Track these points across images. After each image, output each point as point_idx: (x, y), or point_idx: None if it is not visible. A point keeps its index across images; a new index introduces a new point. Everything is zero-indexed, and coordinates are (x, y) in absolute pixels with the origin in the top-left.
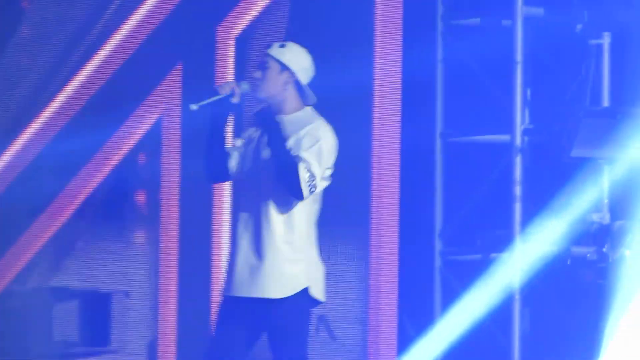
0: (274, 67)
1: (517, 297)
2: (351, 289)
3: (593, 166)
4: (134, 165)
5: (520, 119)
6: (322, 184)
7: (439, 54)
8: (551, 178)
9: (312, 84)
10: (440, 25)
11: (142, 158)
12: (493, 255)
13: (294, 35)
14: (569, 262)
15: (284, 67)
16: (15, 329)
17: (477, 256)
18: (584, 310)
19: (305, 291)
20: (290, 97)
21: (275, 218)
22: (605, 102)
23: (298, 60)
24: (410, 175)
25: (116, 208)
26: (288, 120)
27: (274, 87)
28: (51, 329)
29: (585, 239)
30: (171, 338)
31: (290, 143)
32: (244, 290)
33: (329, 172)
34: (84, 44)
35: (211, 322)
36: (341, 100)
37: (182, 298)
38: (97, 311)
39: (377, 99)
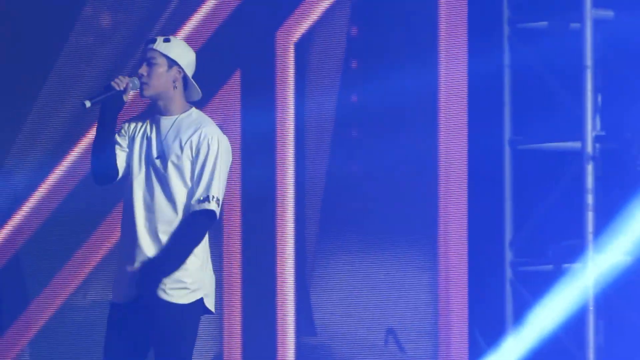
0: (161, 63)
1: (591, 308)
2: (420, 300)
3: None
4: None
5: (591, 125)
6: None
7: (506, 59)
8: (624, 185)
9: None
10: (506, 30)
11: None
12: (565, 265)
13: (356, 41)
14: None
15: (173, 63)
16: (77, 341)
17: (549, 267)
18: None
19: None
20: (177, 95)
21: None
22: None
23: (185, 54)
24: (479, 184)
25: None
26: (176, 122)
27: (163, 84)
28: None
29: None
30: (236, 351)
31: (179, 150)
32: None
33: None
34: (137, 52)
35: (277, 327)
36: (406, 107)
37: (246, 310)
38: None
39: (442, 106)
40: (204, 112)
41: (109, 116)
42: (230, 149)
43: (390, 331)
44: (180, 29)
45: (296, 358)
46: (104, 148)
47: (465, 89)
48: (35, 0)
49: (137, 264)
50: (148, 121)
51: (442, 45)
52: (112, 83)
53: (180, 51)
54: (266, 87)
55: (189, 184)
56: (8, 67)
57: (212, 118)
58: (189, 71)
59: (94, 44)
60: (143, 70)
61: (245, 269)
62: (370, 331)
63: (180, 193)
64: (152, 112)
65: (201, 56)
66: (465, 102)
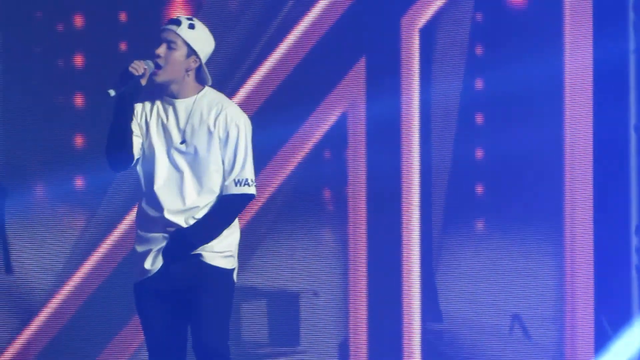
0: (181, 50)
1: None
2: (546, 287)
3: None
4: (319, 162)
5: None
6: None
7: (631, 45)
8: None
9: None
10: (631, 16)
11: (327, 154)
12: None
13: (480, 28)
14: None
15: (192, 52)
16: None
17: None
18: None
19: None
20: (190, 78)
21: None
22: None
23: (207, 44)
24: (604, 170)
25: (302, 205)
26: (194, 104)
27: (177, 72)
28: (240, 329)
29: None
30: (362, 337)
31: (206, 133)
32: None
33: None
34: (264, 36)
35: (403, 313)
36: (531, 94)
37: (372, 296)
38: (285, 311)
39: (568, 93)
40: (330, 99)
41: (127, 102)
42: (249, 123)
43: (515, 317)
44: (305, 15)
45: (422, 344)
46: (123, 135)
47: (591, 75)
48: None
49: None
50: (159, 105)
51: (567, 31)
52: (130, 69)
53: (203, 41)
54: (391, 73)
55: (219, 165)
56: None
57: (337, 104)
58: (205, 60)
59: (218, 33)
60: (161, 51)
61: (371, 255)
62: (496, 317)
63: (208, 175)
64: (162, 94)
65: (326, 42)
66: (590, 88)
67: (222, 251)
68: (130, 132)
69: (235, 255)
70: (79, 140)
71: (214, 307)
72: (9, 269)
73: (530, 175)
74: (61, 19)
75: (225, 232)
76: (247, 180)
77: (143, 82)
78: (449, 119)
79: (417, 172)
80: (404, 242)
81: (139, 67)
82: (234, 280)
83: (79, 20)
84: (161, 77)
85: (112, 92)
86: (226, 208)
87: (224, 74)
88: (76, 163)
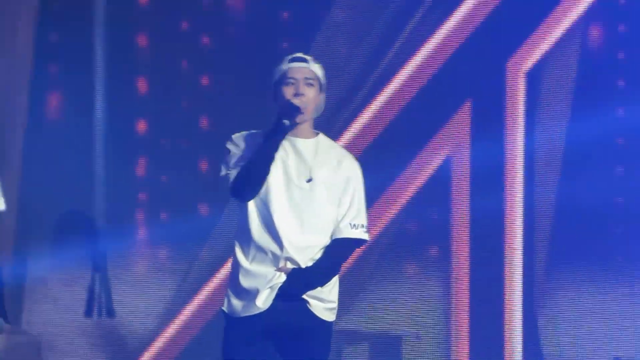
0: (316, 86)
1: None
2: None
3: None
4: (423, 206)
5: None
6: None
7: None
8: None
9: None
10: None
11: (430, 197)
12: None
13: (585, 70)
14: None
15: (321, 87)
16: None
17: None
18: None
19: None
20: (310, 121)
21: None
22: None
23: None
24: None
25: (405, 249)
26: (317, 145)
27: (314, 108)
28: None
29: None
30: None
31: (331, 174)
32: None
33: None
34: (370, 79)
35: (505, 353)
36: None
37: (474, 340)
38: (388, 355)
39: None
40: (434, 143)
41: (280, 136)
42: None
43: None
44: (411, 58)
45: None
46: (265, 169)
47: None
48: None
49: (281, 275)
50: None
51: None
52: (295, 102)
53: (323, 74)
54: (496, 117)
55: (336, 207)
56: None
57: (442, 147)
58: None
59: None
60: (303, 89)
61: (473, 298)
62: None
63: (328, 216)
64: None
65: (432, 85)
66: None
67: (329, 302)
68: (269, 167)
69: (336, 306)
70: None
71: (313, 359)
72: (110, 312)
73: (637, 218)
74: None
75: (333, 280)
76: (362, 224)
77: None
78: (553, 164)
79: (520, 217)
80: (506, 285)
81: (299, 102)
82: (332, 332)
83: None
84: (306, 115)
85: (286, 122)
86: (340, 250)
87: (330, 115)
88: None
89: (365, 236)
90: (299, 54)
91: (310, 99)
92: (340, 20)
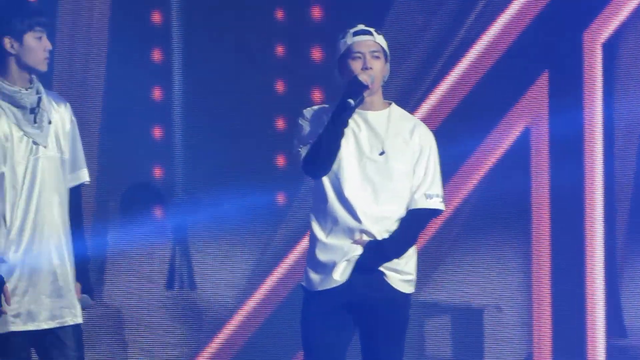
0: (382, 57)
1: None
2: None
3: None
4: (502, 177)
5: None
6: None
7: None
8: None
9: None
10: None
11: (509, 169)
12: None
13: None
14: None
15: (386, 57)
16: None
17: None
18: None
19: None
20: (380, 93)
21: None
22: None
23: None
24: None
25: (485, 220)
26: (389, 117)
27: (380, 81)
28: (423, 345)
29: None
30: (546, 353)
31: (403, 145)
32: None
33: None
34: (447, 52)
35: (587, 329)
36: None
37: (556, 312)
38: (469, 327)
39: None
40: (512, 114)
41: (347, 113)
42: None
43: None
44: (487, 30)
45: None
46: (336, 145)
47: None
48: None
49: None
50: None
51: None
52: (361, 79)
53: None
54: (574, 87)
55: (410, 178)
56: None
57: (520, 119)
58: None
59: (403, 48)
60: (371, 63)
61: (554, 270)
62: None
63: (402, 187)
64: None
65: (509, 57)
66: None
67: (406, 274)
68: (339, 144)
69: (415, 279)
70: (280, 161)
71: (392, 331)
72: (192, 285)
73: None
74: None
75: (410, 251)
76: (437, 194)
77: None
78: (633, 133)
79: (600, 186)
80: (588, 257)
81: (367, 77)
82: (410, 305)
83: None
84: (375, 86)
85: (352, 102)
86: (416, 221)
87: (407, 88)
88: (276, 180)
89: (441, 206)
90: (362, 26)
91: (377, 72)
92: None
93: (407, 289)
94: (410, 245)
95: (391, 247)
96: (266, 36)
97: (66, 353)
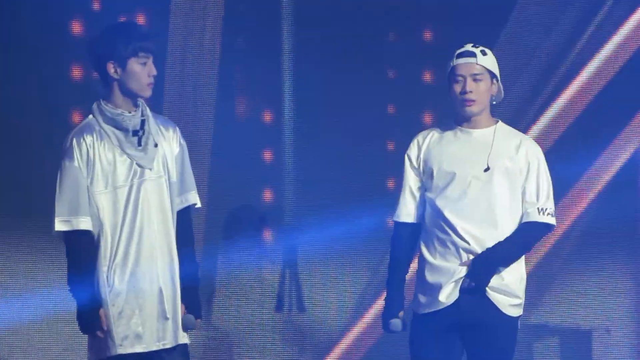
0: (485, 78)
1: None
2: None
3: None
4: (612, 198)
5: None
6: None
7: None
8: None
9: None
10: None
11: (619, 190)
12: None
13: None
14: None
15: (493, 76)
16: None
17: None
18: None
19: None
20: (487, 112)
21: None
22: None
23: (497, 64)
24: None
25: (594, 241)
26: (486, 134)
27: (487, 99)
28: None
29: None
30: None
31: (509, 162)
32: None
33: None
34: (559, 71)
35: None
36: None
37: None
38: (578, 349)
39: None
40: (624, 134)
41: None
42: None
43: None
44: (600, 50)
45: None
46: None
47: None
48: None
49: (464, 269)
50: (451, 135)
51: None
52: (463, 99)
53: (495, 63)
54: None
55: (518, 196)
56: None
57: (631, 140)
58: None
59: (515, 69)
60: (470, 86)
61: None
62: None
63: (508, 204)
64: (451, 126)
65: (621, 77)
66: None
67: (514, 297)
68: None
69: (523, 302)
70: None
71: (500, 354)
72: (301, 308)
73: None
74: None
75: (520, 274)
76: (550, 210)
77: None
78: None
79: None
80: None
81: (469, 99)
82: (518, 327)
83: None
84: (477, 108)
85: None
86: (528, 233)
87: (519, 108)
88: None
89: (553, 221)
90: (467, 47)
91: (480, 93)
92: (529, 12)
93: (515, 312)
94: (518, 255)
95: (501, 252)
96: (377, 59)
97: None
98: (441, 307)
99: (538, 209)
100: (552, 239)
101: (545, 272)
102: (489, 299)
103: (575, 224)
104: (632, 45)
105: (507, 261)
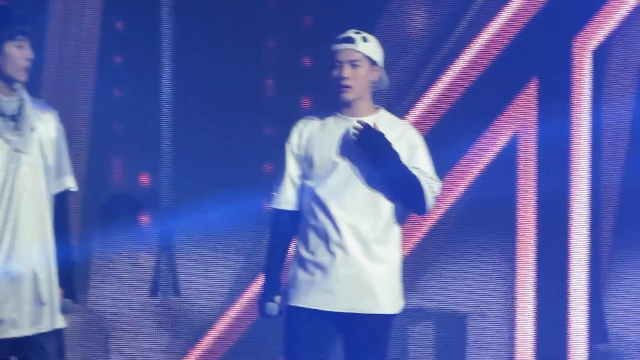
0: (364, 64)
1: None
2: None
3: None
4: (489, 183)
5: None
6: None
7: None
8: None
9: None
10: None
11: (496, 175)
12: None
13: None
14: None
15: (373, 63)
16: None
17: None
18: None
19: None
20: (367, 99)
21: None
22: None
23: (380, 51)
24: None
25: (471, 227)
26: (368, 121)
27: (365, 86)
28: (406, 351)
29: None
30: (529, 358)
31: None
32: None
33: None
34: (436, 58)
35: (570, 334)
36: None
37: (539, 317)
38: (452, 332)
39: None
40: (501, 121)
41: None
42: None
43: None
44: (478, 36)
45: None
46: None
47: None
48: None
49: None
50: (332, 122)
51: None
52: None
53: (378, 50)
54: (562, 94)
55: None
56: None
57: (508, 125)
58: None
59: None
60: (347, 72)
61: (538, 276)
62: None
63: (388, 192)
64: (332, 113)
65: (498, 63)
66: None
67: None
68: None
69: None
70: (267, 168)
71: (376, 342)
72: (176, 292)
73: None
74: None
75: (395, 267)
76: (436, 189)
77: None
78: (620, 141)
79: (586, 194)
80: (572, 263)
81: (345, 85)
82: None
83: None
84: (352, 95)
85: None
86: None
87: (397, 93)
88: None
89: (432, 200)
90: (349, 33)
91: (357, 80)
92: None
93: (394, 310)
94: (406, 179)
95: (397, 163)
96: (256, 42)
97: (47, 359)
98: (316, 299)
99: (427, 183)
100: (427, 224)
101: (421, 256)
102: (366, 291)
103: (451, 209)
104: (509, 32)
105: (399, 174)
